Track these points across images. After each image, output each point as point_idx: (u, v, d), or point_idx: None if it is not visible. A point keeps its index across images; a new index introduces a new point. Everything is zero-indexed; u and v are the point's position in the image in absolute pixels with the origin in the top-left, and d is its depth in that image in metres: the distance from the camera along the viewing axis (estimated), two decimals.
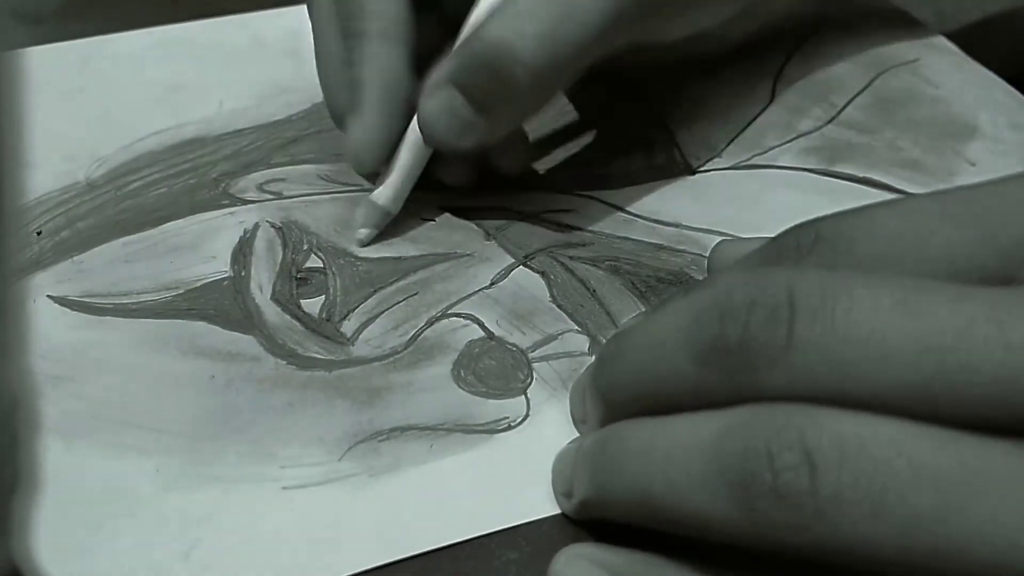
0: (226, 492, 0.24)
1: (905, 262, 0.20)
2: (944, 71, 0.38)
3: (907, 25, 0.40)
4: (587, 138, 0.35)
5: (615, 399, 0.23)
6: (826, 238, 0.21)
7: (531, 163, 0.33)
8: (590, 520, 0.23)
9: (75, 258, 0.30)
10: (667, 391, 0.21)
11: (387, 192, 0.30)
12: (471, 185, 0.32)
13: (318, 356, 0.27)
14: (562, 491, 0.23)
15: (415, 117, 0.29)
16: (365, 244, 0.30)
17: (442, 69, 0.28)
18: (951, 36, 0.41)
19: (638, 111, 0.36)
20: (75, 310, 0.28)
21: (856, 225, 0.21)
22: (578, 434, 0.25)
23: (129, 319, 0.28)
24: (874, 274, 0.19)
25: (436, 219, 0.32)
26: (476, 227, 0.31)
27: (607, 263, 0.30)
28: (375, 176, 0.31)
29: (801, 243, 0.21)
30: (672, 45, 0.32)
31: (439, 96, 0.28)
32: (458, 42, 0.29)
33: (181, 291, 0.29)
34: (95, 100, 0.36)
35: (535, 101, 0.29)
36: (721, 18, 0.32)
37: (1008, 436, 0.18)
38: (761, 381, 0.19)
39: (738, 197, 0.32)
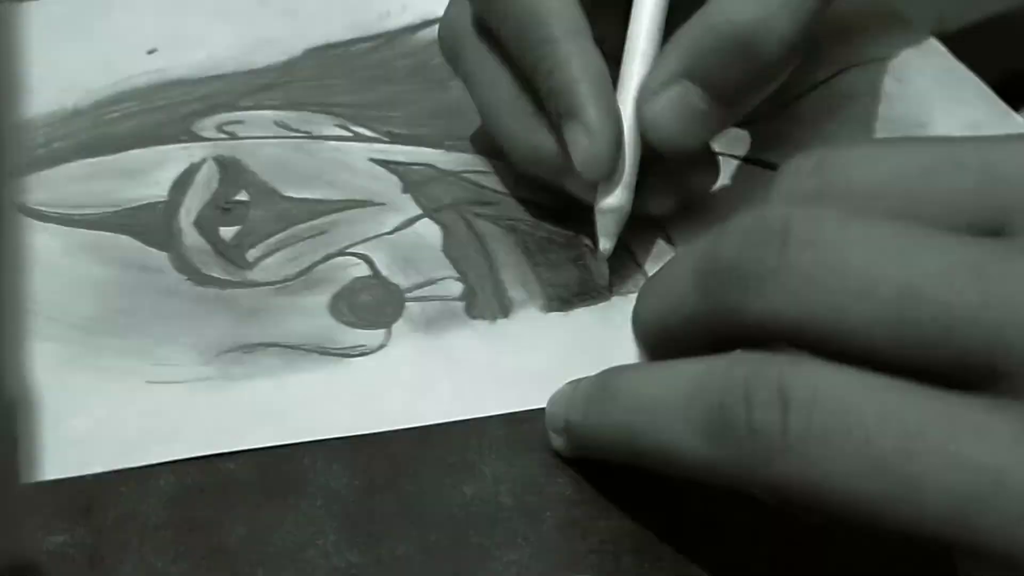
0: (99, 380, 0.27)
1: (901, 200, 0.20)
2: (914, 65, 0.37)
3: (898, 23, 0.40)
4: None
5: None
6: (829, 179, 0.21)
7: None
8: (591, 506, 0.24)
9: (42, 173, 0.34)
10: (674, 321, 0.22)
11: (624, 194, 0.28)
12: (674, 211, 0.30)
13: (216, 276, 0.30)
14: (554, 429, 0.25)
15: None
16: (611, 253, 0.29)
17: (669, 63, 0.27)
18: (951, 36, 0.40)
19: None
20: (25, 215, 0.32)
21: (859, 158, 0.21)
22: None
23: (68, 228, 0.32)
24: (870, 215, 0.20)
25: (365, 170, 0.34)
26: (398, 180, 0.33)
27: (507, 222, 0.32)
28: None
29: (801, 169, 0.21)
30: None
31: (671, 94, 0.27)
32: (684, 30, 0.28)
33: (120, 208, 0.32)
34: (99, 43, 0.39)
35: (778, 81, 0.28)
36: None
37: (979, 390, 0.18)
38: (748, 302, 0.20)
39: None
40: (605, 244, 0.29)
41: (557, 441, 0.25)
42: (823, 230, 0.19)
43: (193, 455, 0.25)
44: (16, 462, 0.15)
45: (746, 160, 0.34)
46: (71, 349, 0.28)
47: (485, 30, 0.30)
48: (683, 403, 0.20)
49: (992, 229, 0.19)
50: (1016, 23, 0.43)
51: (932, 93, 0.36)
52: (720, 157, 0.34)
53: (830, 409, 0.18)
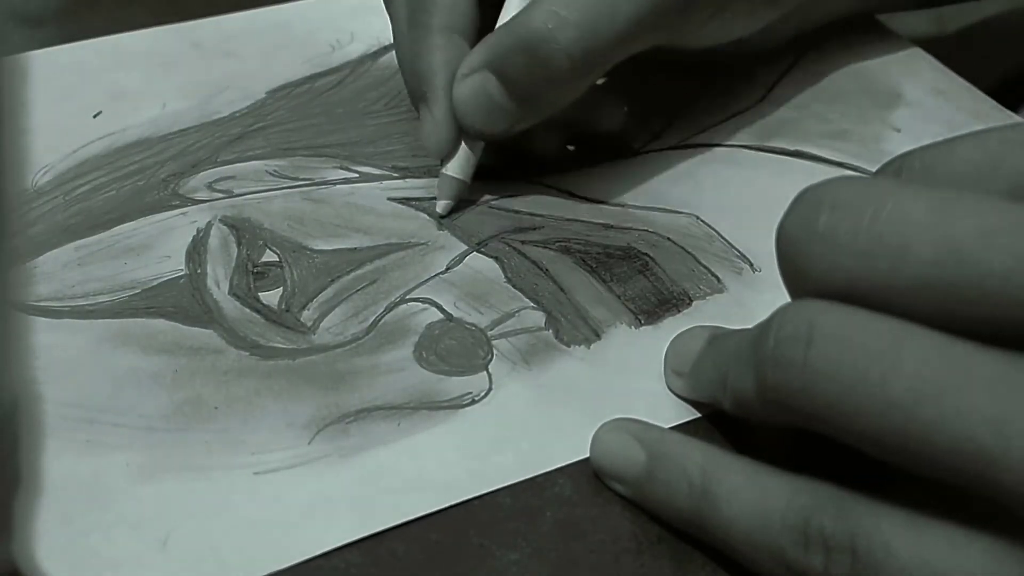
0: (197, 480, 0.24)
1: (973, 184, 0.21)
2: (865, 42, 0.39)
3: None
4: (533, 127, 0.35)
5: None
6: (910, 165, 0.22)
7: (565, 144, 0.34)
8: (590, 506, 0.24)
9: (29, 264, 0.30)
10: None
11: (456, 164, 0.31)
12: (558, 154, 0.33)
13: (281, 346, 0.28)
14: (675, 370, 0.26)
15: None
16: (445, 215, 0.31)
17: (476, 54, 0.30)
18: (951, 37, 0.42)
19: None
20: (32, 315, 0.28)
21: (937, 153, 0.22)
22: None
23: (88, 320, 0.28)
24: (922, 185, 0.20)
25: (389, 211, 0.32)
26: (428, 217, 0.32)
27: (557, 244, 0.31)
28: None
29: (889, 169, 0.23)
30: (706, 50, 0.33)
31: (473, 81, 0.30)
32: (495, 30, 0.31)
33: (138, 291, 0.29)
34: (37, 112, 0.35)
35: (570, 90, 0.30)
36: (757, 26, 0.34)
37: (1006, 346, 0.19)
38: (800, 271, 0.21)
39: (678, 175, 0.33)
40: (441, 206, 0.32)
41: (676, 383, 0.26)
42: (871, 197, 0.20)
43: (334, 546, 0.23)
44: (17, 463, 0.15)
45: (750, 148, 0.35)
46: (151, 454, 0.25)
47: None
48: (746, 352, 0.22)
49: None
50: (1015, 23, 0.45)
51: (890, 66, 0.38)
52: (726, 149, 0.35)
53: (851, 349, 0.19)
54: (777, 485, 0.22)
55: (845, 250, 0.20)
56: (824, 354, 0.19)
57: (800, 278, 0.21)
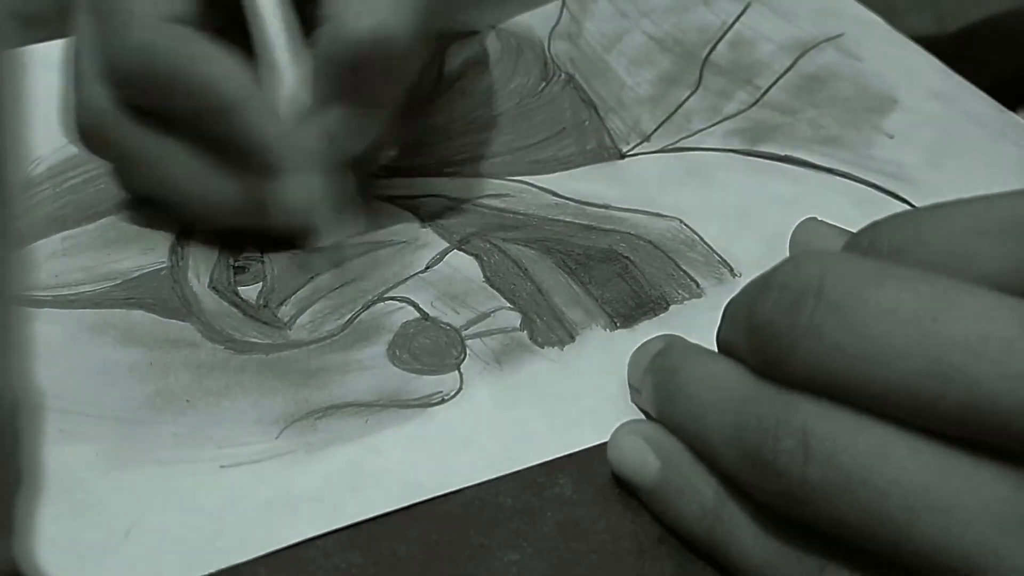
0: (164, 473, 0.24)
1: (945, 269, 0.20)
2: (867, 43, 0.39)
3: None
4: (521, 125, 0.35)
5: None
6: (878, 245, 0.22)
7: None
8: (591, 506, 0.24)
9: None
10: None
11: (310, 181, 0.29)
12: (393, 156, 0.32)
13: (256, 341, 0.28)
14: (633, 385, 0.26)
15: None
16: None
17: (318, 93, 0.28)
18: (951, 36, 0.42)
19: (570, 98, 0.37)
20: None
21: (905, 235, 0.21)
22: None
23: (68, 310, 0.29)
24: (907, 273, 0.20)
25: (373, 209, 0.32)
26: (412, 215, 0.32)
27: (538, 243, 0.31)
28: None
29: (862, 243, 0.22)
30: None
31: (328, 116, 0.28)
32: (276, 60, 0.28)
33: (119, 281, 0.29)
34: (32, 106, 0.36)
35: (411, 75, 0.29)
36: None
37: (992, 454, 0.19)
38: (784, 360, 0.20)
39: (665, 179, 0.33)
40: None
41: (635, 397, 0.26)
42: (855, 290, 0.20)
43: (294, 541, 0.23)
44: (18, 462, 0.15)
45: (740, 152, 0.35)
46: (119, 446, 0.25)
47: (138, 111, 0.29)
48: (730, 425, 0.21)
49: None
50: (1017, 23, 0.44)
51: (889, 66, 0.38)
52: (715, 153, 0.34)
53: (845, 462, 0.19)
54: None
55: (832, 349, 0.20)
56: (821, 470, 0.20)
57: (783, 370, 0.21)
